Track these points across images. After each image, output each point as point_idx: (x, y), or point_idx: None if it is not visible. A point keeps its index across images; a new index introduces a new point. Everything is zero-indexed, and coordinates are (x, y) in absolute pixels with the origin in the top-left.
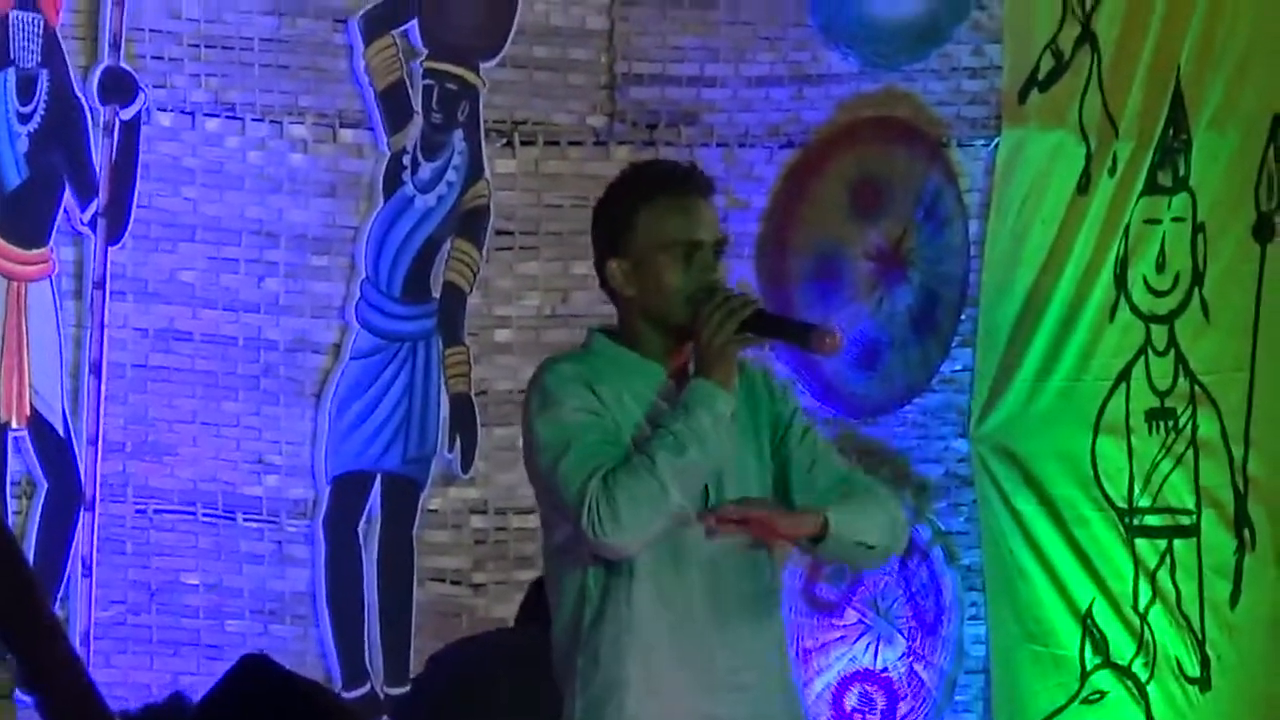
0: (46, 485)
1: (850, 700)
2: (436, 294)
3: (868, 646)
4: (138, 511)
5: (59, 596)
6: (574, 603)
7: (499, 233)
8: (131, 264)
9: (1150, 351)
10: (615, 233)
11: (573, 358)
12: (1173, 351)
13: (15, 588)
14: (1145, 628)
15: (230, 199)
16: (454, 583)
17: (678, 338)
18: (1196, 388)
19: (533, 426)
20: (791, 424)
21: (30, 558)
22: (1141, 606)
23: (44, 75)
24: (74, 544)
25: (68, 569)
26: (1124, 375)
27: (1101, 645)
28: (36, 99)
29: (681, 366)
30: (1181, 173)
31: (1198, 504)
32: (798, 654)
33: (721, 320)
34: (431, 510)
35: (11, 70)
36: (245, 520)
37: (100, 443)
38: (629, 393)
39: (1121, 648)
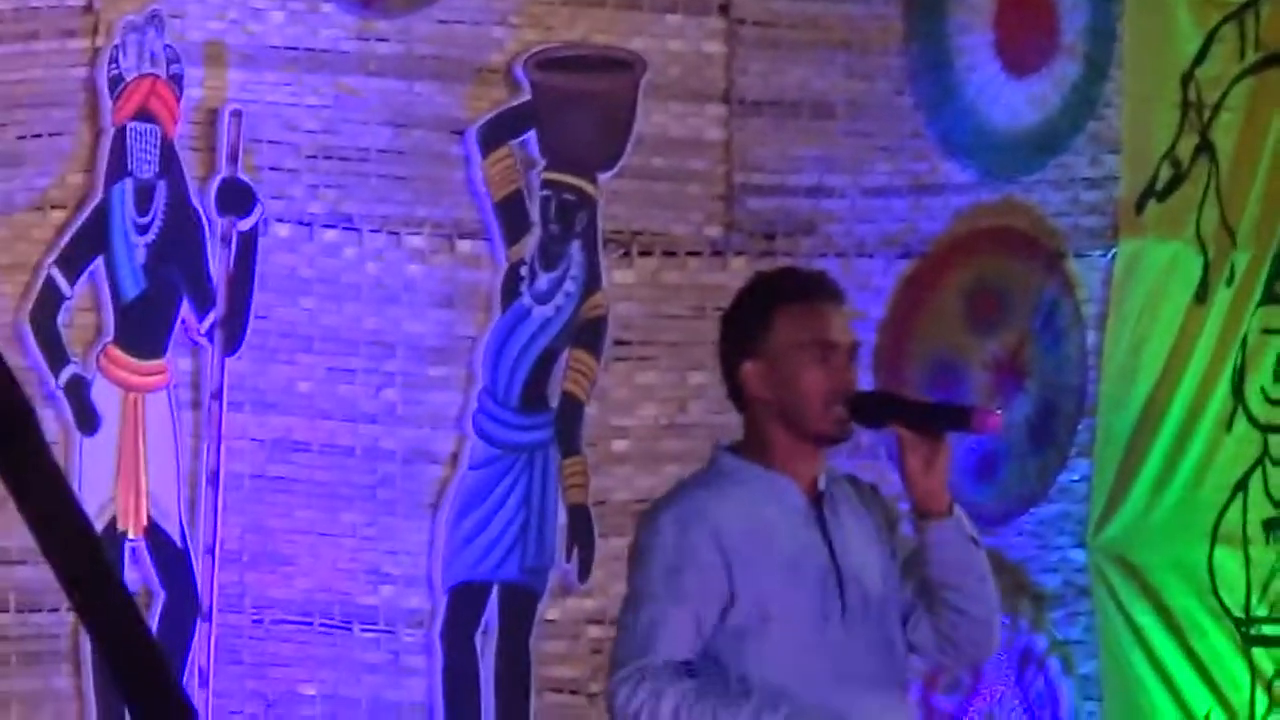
0: (164, 595)
1: None
2: (554, 404)
3: None
4: (255, 622)
5: None
6: None
7: (617, 343)
8: (249, 375)
9: (1268, 461)
10: (750, 335)
11: (701, 484)
12: None
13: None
14: None
15: (348, 310)
16: (571, 692)
17: (811, 443)
18: None
19: (630, 562)
20: (897, 527)
21: None
22: (1259, 716)
23: (161, 186)
24: (191, 654)
25: (185, 680)
26: (1241, 485)
27: None
28: (154, 210)
29: (813, 479)
30: None
31: None
32: None
33: None
34: (549, 620)
35: (129, 181)
36: (362, 630)
37: (217, 553)
38: (763, 516)
39: None
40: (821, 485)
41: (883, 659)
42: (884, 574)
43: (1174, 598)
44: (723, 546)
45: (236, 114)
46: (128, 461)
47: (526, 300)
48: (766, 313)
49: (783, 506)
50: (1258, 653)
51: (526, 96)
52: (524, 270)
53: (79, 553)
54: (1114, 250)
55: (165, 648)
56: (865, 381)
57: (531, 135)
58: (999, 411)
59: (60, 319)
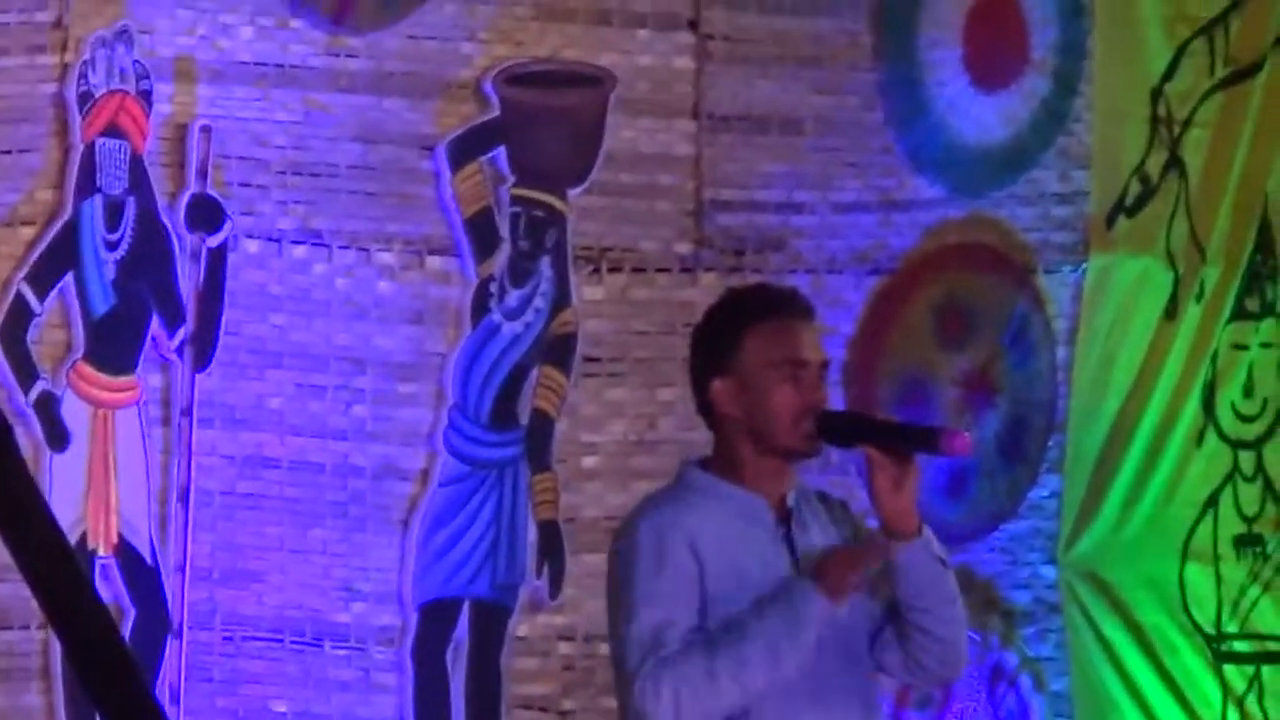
0: (134, 613)
1: None
2: (524, 421)
3: None
4: (225, 639)
5: None
6: None
7: (586, 359)
8: (219, 391)
9: (1238, 477)
10: (720, 352)
11: (670, 499)
12: (1260, 477)
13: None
14: None
15: (317, 326)
16: (542, 709)
17: (780, 460)
18: None
19: (612, 576)
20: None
21: None
22: None
23: (131, 202)
24: (162, 672)
25: (158, 695)
26: (1212, 501)
27: None
28: (123, 226)
29: (781, 496)
30: (1269, 298)
31: None
32: None
33: (849, 564)
34: (519, 637)
35: (98, 197)
36: (333, 648)
37: (188, 570)
38: (731, 532)
39: None
40: (790, 502)
41: (851, 676)
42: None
43: (1145, 614)
44: (697, 553)
45: (206, 130)
46: (98, 478)
47: (496, 317)
48: (737, 330)
49: (751, 522)
50: (1229, 669)
51: (496, 112)
52: (494, 286)
53: (54, 566)
54: (1084, 266)
55: (140, 661)
56: (835, 398)
57: (501, 151)
58: (968, 433)
59: (30, 335)
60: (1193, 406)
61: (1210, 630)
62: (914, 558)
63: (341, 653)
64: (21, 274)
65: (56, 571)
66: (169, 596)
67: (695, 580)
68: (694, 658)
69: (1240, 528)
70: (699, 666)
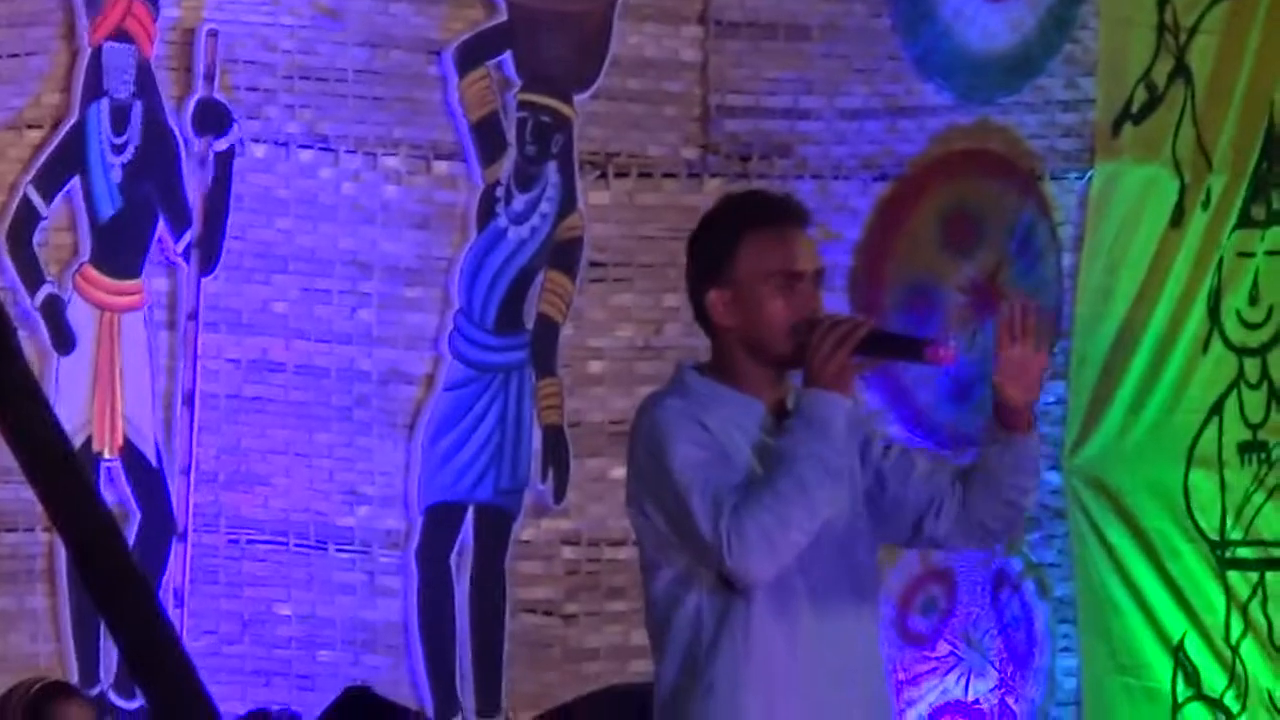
0: (139, 515)
1: None
2: (529, 325)
3: (959, 678)
4: (230, 542)
5: None
6: (687, 641)
7: (592, 264)
8: (224, 295)
9: (1243, 384)
10: (715, 262)
11: (672, 394)
12: (1265, 384)
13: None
14: (1237, 660)
15: (323, 230)
16: (545, 613)
17: (776, 369)
18: None
19: (647, 466)
20: (872, 443)
21: None
22: (1233, 639)
23: (138, 106)
24: (167, 574)
25: (160, 599)
26: (1217, 408)
27: (1193, 678)
28: (130, 130)
29: (779, 400)
30: (1275, 206)
31: None
32: (890, 685)
33: (835, 346)
34: (523, 541)
35: (105, 101)
36: (337, 551)
37: (193, 473)
38: (734, 426)
39: (1213, 680)
40: (789, 405)
41: (849, 570)
42: (851, 491)
43: (1149, 520)
44: (712, 435)
45: (213, 34)
46: (103, 382)
47: (502, 221)
48: (731, 240)
49: (748, 424)
50: (1233, 575)
51: (503, 17)
52: (500, 191)
53: (57, 470)
54: (1090, 173)
55: (141, 563)
56: (841, 304)
57: (508, 56)
58: (953, 344)
59: (36, 238)
60: (1198, 313)
61: (1214, 536)
62: (1029, 448)
63: (346, 556)
64: (28, 177)
65: (59, 475)
66: (174, 499)
67: (718, 443)
68: (760, 497)
69: (1245, 434)
70: (767, 503)
